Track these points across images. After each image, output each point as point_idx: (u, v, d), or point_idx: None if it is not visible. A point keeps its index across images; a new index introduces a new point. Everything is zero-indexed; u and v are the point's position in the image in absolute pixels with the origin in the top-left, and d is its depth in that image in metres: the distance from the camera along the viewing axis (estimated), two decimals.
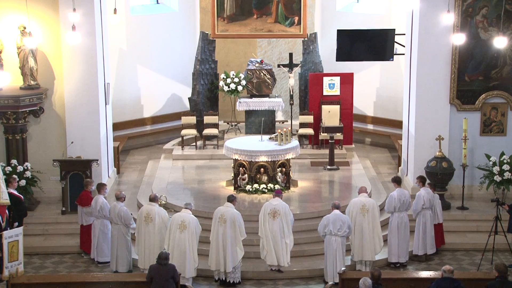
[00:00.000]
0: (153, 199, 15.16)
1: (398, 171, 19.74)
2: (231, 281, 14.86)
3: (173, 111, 23.02)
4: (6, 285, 13.49)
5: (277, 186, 17.60)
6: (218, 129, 21.21)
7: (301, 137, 21.10)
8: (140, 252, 15.01)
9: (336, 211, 14.95)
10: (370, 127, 22.80)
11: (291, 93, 22.06)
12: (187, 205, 14.98)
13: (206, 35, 22.07)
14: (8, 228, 14.27)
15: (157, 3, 23.27)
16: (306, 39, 22.04)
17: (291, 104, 22.01)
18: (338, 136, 20.34)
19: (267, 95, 21.78)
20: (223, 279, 14.88)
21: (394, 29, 20.16)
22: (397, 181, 15.87)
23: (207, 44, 22.10)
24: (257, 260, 15.60)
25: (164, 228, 14.84)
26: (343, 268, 13.79)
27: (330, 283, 14.15)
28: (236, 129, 22.30)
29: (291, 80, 22.05)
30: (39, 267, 15.84)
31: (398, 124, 20.85)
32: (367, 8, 22.72)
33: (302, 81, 22.32)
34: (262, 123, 19.72)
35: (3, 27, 17.60)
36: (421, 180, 15.99)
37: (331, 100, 21.14)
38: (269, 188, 17.65)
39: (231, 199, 15.01)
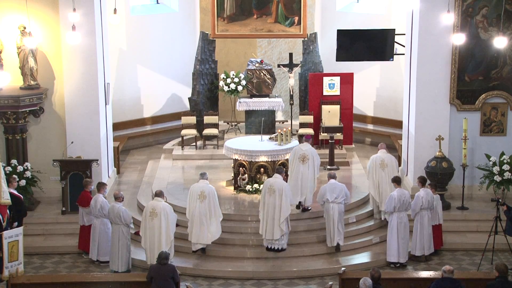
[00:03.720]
0: (158, 194, 15.29)
1: (398, 171, 19.73)
2: (277, 248, 15.64)
3: (173, 111, 23.02)
4: (6, 285, 13.50)
5: None
6: (218, 129, 21.21)
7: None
8: (146, 247, 15.14)
9: (332, 181, 15.93)
10: (370, 127, 22.80)
11: (291, 93, 22.07)
12: (203, 175, 15.78)
13: (206, 35, 22.08)
14: (9, 228, 14.28)
15: (157, 3, 23.28)
16: (306, 39, 22.04)
17: (291, 104, 22.02)
18: (338, 136, 20.35)
19: (267, 95, 21.79)
20: (270, 247, 15.69)
21: (394, 29, 20.16)
22: (397, 181, 15.88)
23: (207, 44, 22.10)
24: (257, 260, 15.63)
25: (169, 224, 14.98)
26: (343, 268, 13.79)
27: (330, 283, 14.14)
28: (236, 129, 22.31)
29: (291, 80, 22.05)
30: (39, 267, 15.84)
31: (398, 124, 20.84)
32: (367, 8, 22.72)
33: (302, 81, 22.32)
34: (262, 123, 19.73)
35: (3, 27, 17.61)
36: (421, 181, 15.99)
37: (331, 100, 21.14)
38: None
39: (280, 171, 15.94)
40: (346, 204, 16.11)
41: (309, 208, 16.71)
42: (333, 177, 16.10)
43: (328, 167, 19.55)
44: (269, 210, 15.54)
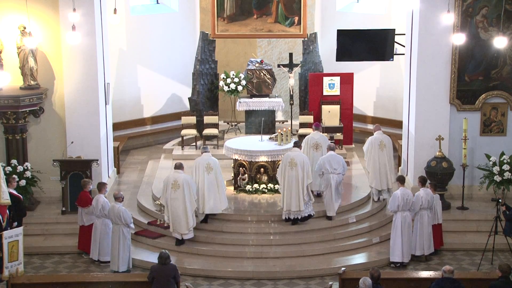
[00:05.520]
0: (179, 166, 15.90)
1: (398, 171, 19.74)
2: (298, 217, 16.16)
3: (173, 111, 23.03)
4: (6, 285, 13.49)
5: (277, 186, 17.61)
6: (218, 129, 21.21)
7: (301, 137, 21.05)
8: (168, 218, 15.79)
9: (331, 152, 16.70)
10: (370, 127, 22.77)
11: (291, 93, 22.07)
12: (205, 148, 16.62)
13: (206, 35, 22.08)
14: (8, 228, 14.28)
15: (157, 3, 23.28)
16: (306, 39, 22.05)
17: (291, 104, 22.02)
18: (338, 136, 20.37)
19: (267, 95, 21.79)
20: (291, 217, 16.17)
21: (394, 29, 20.17)
22: (401, 180, 15.87)
23: (207, 44, 22.10)
24: (257, 260, 15.63)
25: (191, 194, 15.71)
26: (343, 269, 13.79)
27: (330, 283, 14.16)
28: (236, 129, 22.31)
29: (291, 80, 22.06)
30: (39, 267, 15.84)
31: (398, 124, 20.85)
32: (367, 8, 22.73)
33: (302, 81, 22.32)
34: (262, 123, 19.73)
35: (3, 27, 17.60)
36: (421, 181, 15.98)
37: (331, 100, 21.15)
38: (269, 188, 17.65)
39: (298, 144, 16.59)
40: (343, 175, 16.85)
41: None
42: (332, 149, 16.83)
43: None
44: (292, 183, 15.98)
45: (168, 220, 15.91)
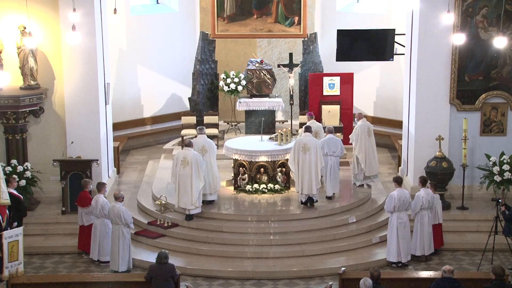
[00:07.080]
0: (188, 144, 16.50)
1: (398, 171, 19.75)
2: (315, 200, 16.80)
3: (173, 111, 23.03)
4: (6, 285, 13.50)
5: (277, 186, 17.63)
6: (218, 129, 21.22)
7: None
8: (176, 194, 16.32)
9: (330, 135, 17.53)
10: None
11: (291, 93, 22.07)
12: (201, 129, 17.21)
13: (206, 35, 22.09)
14: (8, 228, 14.28)
15: (157, 3, 23.28)
16: (306, 39, 22.05)
17: (291, 104, 22.02)
18: (338, 136, 20.32)
19: (267, 95, 21.79)
20: (304, 201, 16.77)
21: (394, 29, 20.17)
22: (398, 181, 15.87)
23: (207, 44, 22.11)
24: (257, 260, 15.63)
25: (199, 171, 16.18)
26: (343, 269, 13.79)
27: (330, 283, 14.16)
28: (236, 129, 22.31)
29: (291, 80, 22.06)
30: (39, 267, 15.84)
31: (398, 124, 20.85)
32: (367, 8, 22.73)
33: (302, 81, 22.33)
34: (262, 123, 19.73)
35: (3, 27, 17.61)
36: (421, 181, 15.99)
37: (331, 100, 21.15)
38: (269, 188, 17.65)
39: (309, 129, 16.86)
40: (342, 156, 17.91)
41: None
42: (331, 131, 17.62)
43: None
44: (305, 167, 16.50)
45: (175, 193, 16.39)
